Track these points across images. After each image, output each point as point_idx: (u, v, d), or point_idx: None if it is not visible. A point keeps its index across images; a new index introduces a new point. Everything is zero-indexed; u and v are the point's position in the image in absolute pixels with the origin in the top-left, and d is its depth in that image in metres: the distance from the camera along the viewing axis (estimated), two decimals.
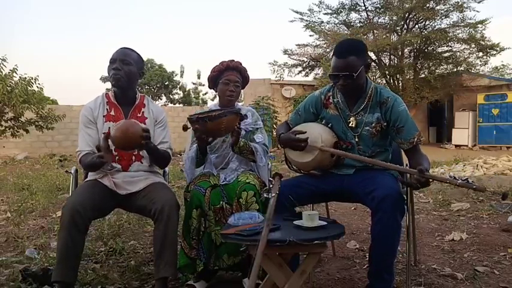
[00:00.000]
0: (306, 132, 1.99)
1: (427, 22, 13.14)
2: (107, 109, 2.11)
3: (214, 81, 2.30)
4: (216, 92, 2.34)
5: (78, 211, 1.80)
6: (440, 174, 6.39)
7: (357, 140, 2.00)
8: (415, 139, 1.90)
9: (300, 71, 15.54)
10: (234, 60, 2.28)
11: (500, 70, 13.64)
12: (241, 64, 2.29)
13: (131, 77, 2.09)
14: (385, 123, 1.96)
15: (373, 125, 1.97)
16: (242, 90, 2.43)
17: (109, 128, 2.02)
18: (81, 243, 1.85)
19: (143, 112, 2.17)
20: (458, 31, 12.74)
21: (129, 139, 1.81)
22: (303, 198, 2.00)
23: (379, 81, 13.50)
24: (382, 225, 1.73)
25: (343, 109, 2.03)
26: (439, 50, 13.28)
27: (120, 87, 2.09)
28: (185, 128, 1.98)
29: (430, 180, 1.68)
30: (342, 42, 2.00)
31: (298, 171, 2.16)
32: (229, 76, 2.24)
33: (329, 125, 2.07)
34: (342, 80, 1.89)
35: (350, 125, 2.00)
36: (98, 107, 2.11)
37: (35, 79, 10.03)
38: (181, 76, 23.82)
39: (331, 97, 2.08)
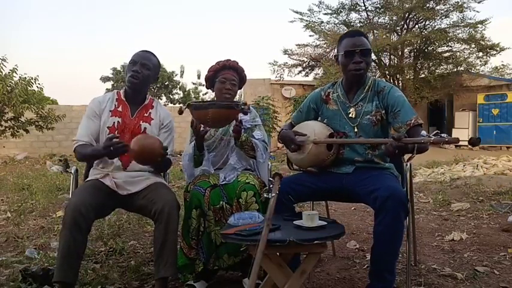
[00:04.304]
0: (301, 131, 2.03)
1: (427, 22, 13.14)
2: (115, 105, 2.16)
3: (211, 80, 2.30)
4: (213, 91, 2.34)
5: (81, 211, 1.80)
6: (440, 175, 6.40)
7: (356, 130, 2.02)
8: (412, 121, 1.90)
9: (300, 71, 15.54)
10: (230, 60, 2.28)
11: (500, 70, 13.59)
12: (238, 63, 2.28)
13: (146, 82, 2.16)
14: (383, 111, 2.00)
15: (373, 113, 2.00)
16: (241, 90, 2.43)
17: (113, 122, 2.10)
18: (83, 243, 1.85)
19: (150, 113, 2.19)
20: (458, 31, 12.74)
21: (146, 156, 1.87)
22: (302, 195, 2.01)
23: None
24: (386, 226, 1.72)
25: (343, 102, 2.07)
26: (439, 50, 13.27)
27: (133, 89, 2.15)
28: (180, 112, 2.01)
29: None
30: (350, 30, 2.06)
31: (299, 171, 2.16)
32: (225, 75, 2.24)
33: (324, 121, 2.11)
34: (358, 56, 1.95)
35: (350, 115, 2.04)
36: (106, 101, 2.16)
37: (34, 79, 10.04)
38: (181, 76, 23.81)
39: (331, 93, 2.13)
